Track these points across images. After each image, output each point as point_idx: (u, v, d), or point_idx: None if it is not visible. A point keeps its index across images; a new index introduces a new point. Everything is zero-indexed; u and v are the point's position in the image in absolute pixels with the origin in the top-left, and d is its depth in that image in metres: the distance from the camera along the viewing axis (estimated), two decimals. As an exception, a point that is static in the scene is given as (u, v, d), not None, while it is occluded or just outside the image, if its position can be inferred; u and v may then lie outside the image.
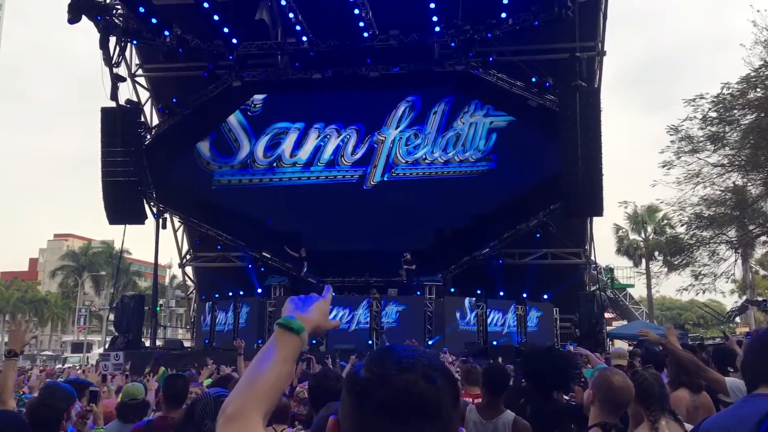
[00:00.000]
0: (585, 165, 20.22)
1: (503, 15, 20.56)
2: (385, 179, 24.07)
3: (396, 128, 24.03)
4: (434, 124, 23.89)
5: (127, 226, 24.60)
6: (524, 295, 22.40)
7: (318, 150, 24.54)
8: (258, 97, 24.74)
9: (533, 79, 22.35)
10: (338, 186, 24.40)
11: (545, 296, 22.91)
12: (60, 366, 38.49)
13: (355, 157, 24.33)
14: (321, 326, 1.53)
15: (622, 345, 25.15)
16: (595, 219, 24.44)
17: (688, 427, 3.41)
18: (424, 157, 23.96)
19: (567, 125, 20.43)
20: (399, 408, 1.09)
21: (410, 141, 23.97)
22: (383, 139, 24.09)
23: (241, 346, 9.47)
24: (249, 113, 24.90)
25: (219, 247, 26.14)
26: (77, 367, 22.67)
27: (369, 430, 1.11)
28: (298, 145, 24.66)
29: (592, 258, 25.32)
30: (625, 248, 48.91)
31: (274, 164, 24.84)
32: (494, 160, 23.43)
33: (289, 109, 24.58)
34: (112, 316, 25.94)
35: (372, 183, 24.16)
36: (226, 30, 21.84)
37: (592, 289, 24.95)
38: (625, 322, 36.68)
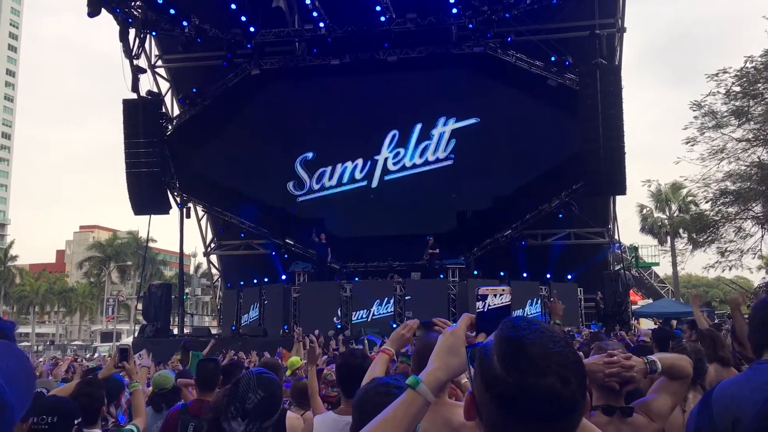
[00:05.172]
0: (606, 143, 20.04)
1: (521, -6, 20.39)
2: (385, 179, 24.38)
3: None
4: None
5: (152, 216, 24.94)
6: (548, 276, 22.33)
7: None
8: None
9: (552, 58, 22.15)
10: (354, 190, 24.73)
11: (569, 276, 22.82)
12: (89, 355, 39.25)
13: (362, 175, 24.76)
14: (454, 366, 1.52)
15: (648, 323, 25.08)
16: (619, 198, 24.27)
17: None
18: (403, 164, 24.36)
19: (588, 103, 20.25)
20: (540, 413, 1.16)
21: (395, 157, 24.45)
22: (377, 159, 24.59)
23: (299, 333, 9.64)
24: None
25: (242, 234, 26.38)
26: (107, 357, 23.10)
27: (508, 427, 1.19)
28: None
29: (616, 237, 25.15)
30: (650, 226, 48.45)
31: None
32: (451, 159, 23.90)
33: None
34: (139, 306, 26.27)
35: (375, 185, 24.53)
36: (243, 18, 21.91)
37: (617, 268, 24.81)
38: (650, 301, 36.48)
